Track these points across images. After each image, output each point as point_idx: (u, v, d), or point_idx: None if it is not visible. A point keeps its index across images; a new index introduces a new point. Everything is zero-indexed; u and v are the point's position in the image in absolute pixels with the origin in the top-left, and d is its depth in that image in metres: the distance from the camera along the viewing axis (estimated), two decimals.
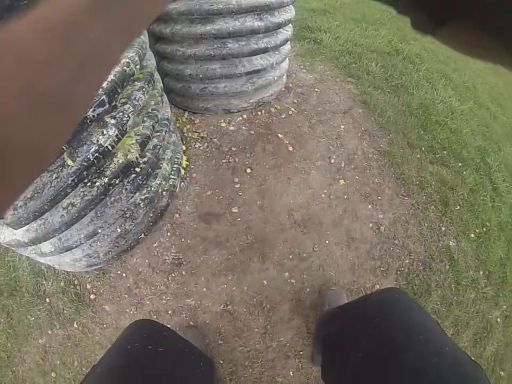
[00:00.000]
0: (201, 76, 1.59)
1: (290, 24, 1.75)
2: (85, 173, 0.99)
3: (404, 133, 1.93)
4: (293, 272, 1.46)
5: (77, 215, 1.07)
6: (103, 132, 1.00)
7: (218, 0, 1.39)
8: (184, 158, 1.59)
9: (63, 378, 1.45)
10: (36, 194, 0.96)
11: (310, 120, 1.82)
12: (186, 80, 1.66)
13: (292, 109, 1.84)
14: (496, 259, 1.79)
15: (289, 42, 1.80)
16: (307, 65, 2.16)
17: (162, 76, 1.79)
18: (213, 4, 1.38)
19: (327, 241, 1.52)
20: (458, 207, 1.80)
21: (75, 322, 1.47)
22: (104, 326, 1.44)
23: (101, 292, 1.46)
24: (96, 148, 0.98)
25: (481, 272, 1.72)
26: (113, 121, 1.02)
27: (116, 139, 1.04)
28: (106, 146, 1.01)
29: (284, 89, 1.93)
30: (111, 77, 0.96)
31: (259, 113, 1.79)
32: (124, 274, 1.46)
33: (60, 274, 1.54)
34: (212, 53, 1.52)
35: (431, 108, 2.15)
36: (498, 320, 1.71)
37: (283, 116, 1.80)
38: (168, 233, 1.48)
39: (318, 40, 2.42)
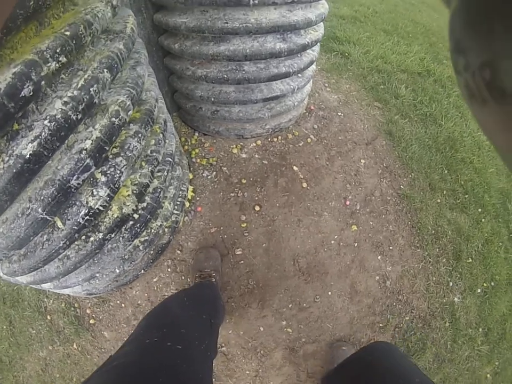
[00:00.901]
0: (213, 99, 1.35)
1: (316, 44, 1.45)
2: (76, 235, 0.82)
3: (427, 172, 1.69)
4: (290, 322, 1.33)
5: (72, 267, 0.93)
6: (92, 192, 0.80)
7: (234, 17, 1.11)
8: (190, 188, 1.39)
9: None
10: (28, 253, 0.82)
11: (329, 151, 1.58)
12: (197, 100, 1.43)
13: (311, 136, 1.60)
14: (498, 315, 1.64)
15: (315, 63, 1.51)
16: (332, 83, 1.88)
17: (172, 91, 1.54)
18: (227, 21, 1.10)
19: (329, 293, 1.37)
20: (470, 260, 1.62)
21: (75, 343, 1.42)
22: (103, 350, 1.39)
23: (100, 318, 1.39)
24: (86, 211, 0.80)
25: (480, 329, 1.58)
26: (103, 178, 0.81)
27: (108, 199, 0.84)
28: (97, 208, 0.82)
29: (304, 111, 1.67)
30: (96, 133, 0.73)
31: (275, 139, 1.56)
32: (123, 305, 1.36)
33: (60, 295, 1.46)
34: (226, 76, 1.26)
35: (458, 142, 1.89)
36: (488, 376, 1.59)
37: (300, 144, 1.57)
38: (169, 269, 1.33)
39: (346, 54, 2.10)
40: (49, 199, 0.70)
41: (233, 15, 1.10)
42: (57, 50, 0.62)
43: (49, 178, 0.69)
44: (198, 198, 1.40)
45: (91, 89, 0.70)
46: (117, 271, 1.17)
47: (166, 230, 1.27)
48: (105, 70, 0.74)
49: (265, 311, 1.32)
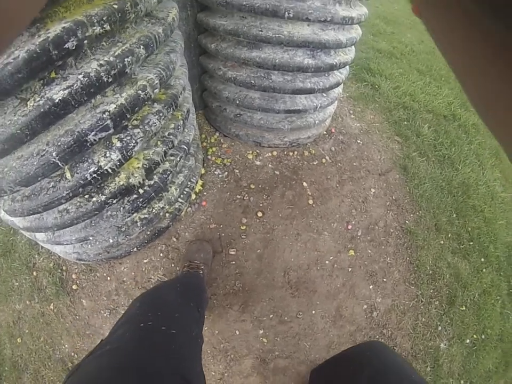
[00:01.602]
0: (238, 101, 1.33)
1: (347, 67, 1.41)
2: (80, 189, 0.83)
3: (435, 212, 1.59)
4: (268, 332, 1.26)
5: (69, 221, 0.92)
6: (105, 154, 0.81)
7: (269, 27, 1.11)
8: (200, 182, 1.36)
9: (27, 347, 1.40)
10: (32, 195, 0.82)
11: (341, 174, 1.52)
12: (223, 101, 1.41)
13: (327, 157, 1.55)
14: (483, 370, 1.50)
15: (341, 86, 1.46)
16: (357, 112, 1.82)
17: (202, 89, 1.53)
18: (262, 29, 1.10)
19: (313, 311, 1.29)
20: (464, 308, 1.50)
21: (52, 303, 1.38)
22: (77, 317, 1.35)
23: (83, 285, 1.35)
24: (95, 169, 0.80)
25: (461, 382, 1.45)
26: (118, 144, 0.83)
27: (118, 163, 0.84)
28: (106, 169, 0.82)
29: (324, 132, 1.62)
30: (121, 100, 0.76)
31: (291, 153, 1.51)
32: (109, 278, 1.32)
33: (52, 255, 1.44)
34: (253, 81, 1.25)
35: (472, 189, 1.78)
36: None
37: (315, 163, 1.51)
38: (161, 254, 1.29)
39: (376, 86, 2.04)
40: (65, 146, 0.72)
41: (268, 25, 1.09)
42: (104, 18, 0.67)
43: (70, 128, 0.72)
44: (205, 193, 1.37)
45: (126, 59, 0.74)
46: (111, 240, 1.15)
47: (167, 215, 1.25)
48: (141, 47, 0.78)
49: (245, 316, 1.25)
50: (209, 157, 1.45)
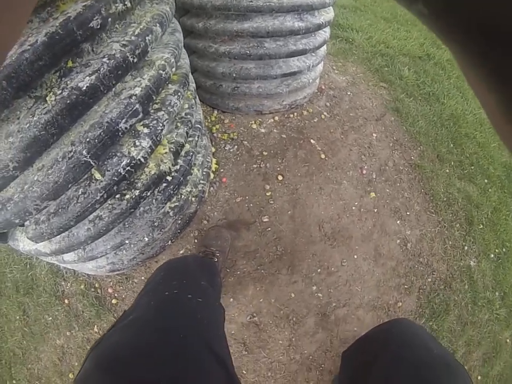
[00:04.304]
0: (234, 75, 1.53)
1: (328, 26, 1.69)
2: (115, 187, 0.87)
3: (434, 145, 1.93)
4: (320, 286, 1.48)
5: (104, 228, 0.97)
6: (135, 143, 0.87)
7: None
8: (214, 161, 1.56)
9: None
10: (60, 210, 0.85)
11: (342, 126, 1.80)
12: (218, 78, 1.61)
13: (324, 113, 1.81)
14: None
15: (326, 44, 1.75)
16: (339, 66, 2.12)
17: (192, 71, 1.72)
18: (252, 0, 1.30)
19: (355, 256, 1.53)
20: (481, 226, 1.83)
21: (95, 326, 1.46)
22: None
23: (123, 297, 1.45)
24: (128, 161, 0.86)
25: (496, 293, 1.77)
26: (146, 130, 0.89)
27: (150, 150, 0.91)
28: (139, 159, 0.88)
29: (316, 91, 1.89)
30: (145, 82, 0.83)
31: (291, 115, 1.76)
32: None
33: (79, 276, 1.53)
34: (248, 52, 1.45)
35: (461, 119, 2.15)
36: (508, 341, 1.77)
37: (315, 120, 1.77)
38: (195, 240, 1.47)
39: (350, 40, 2.38)
40: (96, 141, 0.75)
41: None
42: None
43: (95, 121, 0.75)
44: (221, 170, 1.57)
45: (146, 38, 0.80)
46: (146, 239, 1.24)
47: (193, 199, 1.40)
48: (157, 24, 0.86)
49: (295, 277, 1.47)
50: (215, 135, 1.65)
